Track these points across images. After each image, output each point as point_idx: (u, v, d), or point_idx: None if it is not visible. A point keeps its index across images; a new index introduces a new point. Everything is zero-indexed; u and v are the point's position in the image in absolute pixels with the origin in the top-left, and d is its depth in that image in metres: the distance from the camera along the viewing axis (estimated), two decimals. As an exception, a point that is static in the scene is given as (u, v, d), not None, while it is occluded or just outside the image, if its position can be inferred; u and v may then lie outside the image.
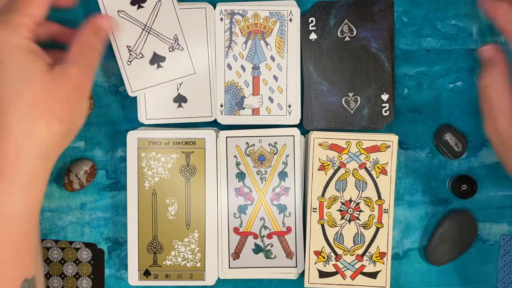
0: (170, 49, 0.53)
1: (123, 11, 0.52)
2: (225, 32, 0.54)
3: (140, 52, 0.53)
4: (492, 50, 0.52)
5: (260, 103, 0.54)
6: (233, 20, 0.54)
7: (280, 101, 0.54)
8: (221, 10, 0.53)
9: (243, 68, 0.54)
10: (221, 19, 0.53)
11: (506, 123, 0.49)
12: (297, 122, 0.54)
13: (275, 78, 0.54)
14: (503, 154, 0.50)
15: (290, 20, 0.53)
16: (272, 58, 0.54)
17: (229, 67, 0.54)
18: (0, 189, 0.43)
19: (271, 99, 0.54)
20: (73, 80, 0.46)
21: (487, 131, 0.50)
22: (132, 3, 0.52)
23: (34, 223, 0.45)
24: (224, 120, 0.54)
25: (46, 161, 0.45)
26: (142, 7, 0.52)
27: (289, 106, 0.54)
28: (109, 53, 0.55)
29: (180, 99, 0.54)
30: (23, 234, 0.44)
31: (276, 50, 0.54)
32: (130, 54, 0.53)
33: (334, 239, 0.54)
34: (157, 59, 0.53)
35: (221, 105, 0.54)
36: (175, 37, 0.53)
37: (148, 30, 0.53)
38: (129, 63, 0.53)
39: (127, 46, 0.53)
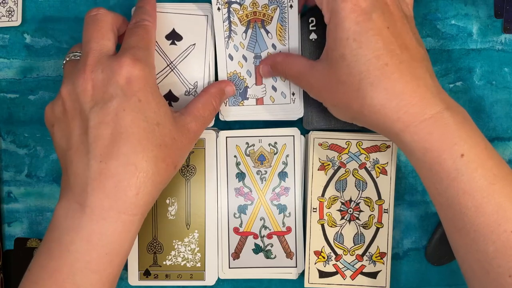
0: (186, 93, 0.53)
1: (155, 41, 0.52)
2: (223, 22, 0.53)
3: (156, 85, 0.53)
4: (265, 67, 0.52)
5: (263, 93, 0.54)
6: (231, 9, 0.53)
7: (283, 90, 0.53)
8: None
9: (244, 58, 0.53)
10: (218, 9, 0.53)
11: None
12: (301, 114, 0.54)
13: None
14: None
15: (291, 6, 0.52)
16: (274, 46, 0.53)
17: (231, 57, 0.53)
18: (115, 227, 0.43)
19: (274, 88, 0.54)
20: (192, 134, 0.48)
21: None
22: (167, 38, 0.53)
23: (125, 259, 0.46)
24: (227, 112, 0.54)
25: (154, 202, 0.46)
26: (175, 44, 0.53)
27: (293, 94, 0.54)
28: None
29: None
30: (119, 270, 0.45)
31: (277, 38, 0.53)
32: None
33: (334, 239, 0.54)
34: (170, 97, 0.53)
35: None
36: (195, 84, 0.53)
37: (172, 68, 0.53)
38: None
39: None
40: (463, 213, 0.42)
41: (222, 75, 0.53)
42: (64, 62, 0.49)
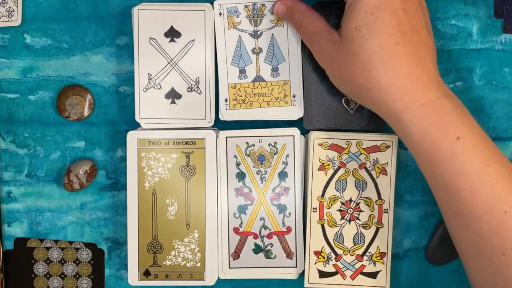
0: (189, 90, 0.53)
1: (155, 39, 0.53)
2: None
3: (159, 83, 0.53)
4: (281, 7, 0.51)
5: None
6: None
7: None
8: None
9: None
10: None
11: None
12: (301, 114, 0.54)
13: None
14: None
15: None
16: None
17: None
18: None
19: None
20: None
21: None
22: (166, 35, 0.53)
23: None
24: (228, 112, 0.54)
25: None
26: (174, 41, 0.53)
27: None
28: (120, 56, 0.55)
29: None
30: None
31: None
32: (149, 82, 0.53)
33: (334, 239, 0.54)
34: (173, 95, 0.53)
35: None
36: (197, 79, 0.53)
37: (173, 65, 0.53)
38: (145, 90, 0.53)
39: (148, 74, 0.53)
40: (459, 195, 0.44)
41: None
42: None
